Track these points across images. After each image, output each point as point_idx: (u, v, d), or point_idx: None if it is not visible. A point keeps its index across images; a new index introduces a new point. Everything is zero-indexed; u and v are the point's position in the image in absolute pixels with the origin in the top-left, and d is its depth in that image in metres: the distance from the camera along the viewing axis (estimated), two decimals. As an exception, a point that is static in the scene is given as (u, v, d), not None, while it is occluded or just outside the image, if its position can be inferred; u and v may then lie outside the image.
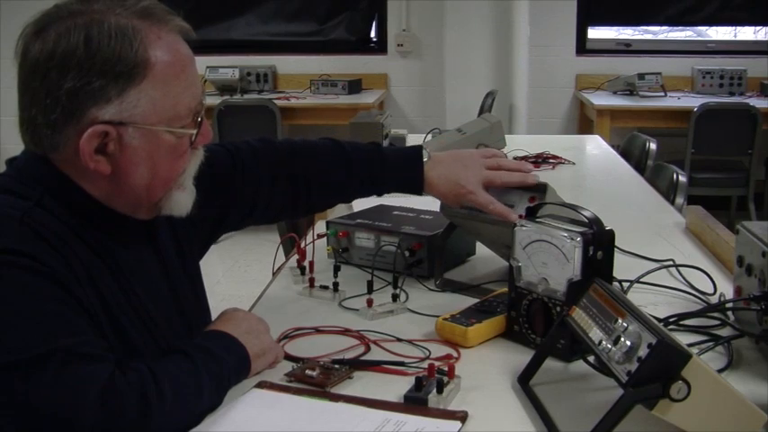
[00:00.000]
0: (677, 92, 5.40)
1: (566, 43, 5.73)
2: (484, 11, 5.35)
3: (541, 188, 1.48)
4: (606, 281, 1.16)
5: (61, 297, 1.03)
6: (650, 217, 2.22)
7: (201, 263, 1.41)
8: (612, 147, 3.47)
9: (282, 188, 1.48)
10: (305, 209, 1.57)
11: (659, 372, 0.94)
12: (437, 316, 1.36)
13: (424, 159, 1.51)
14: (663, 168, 2.83)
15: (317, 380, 1.17)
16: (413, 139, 3.01)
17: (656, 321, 1.01)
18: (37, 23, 1.09)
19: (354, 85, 5.54)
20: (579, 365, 1.22)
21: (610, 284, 1.15)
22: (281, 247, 1.91)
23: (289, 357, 1.27)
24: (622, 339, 0.99)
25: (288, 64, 5.86)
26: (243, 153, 1.46)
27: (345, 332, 1.36)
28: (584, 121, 5.63)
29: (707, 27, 5.95)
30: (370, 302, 1.46)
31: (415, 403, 1.10)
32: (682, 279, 1.63)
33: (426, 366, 1.16)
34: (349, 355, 1.27)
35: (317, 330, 1.38)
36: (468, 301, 1.43)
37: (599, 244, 1.23)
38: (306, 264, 1.64)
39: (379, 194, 1.58)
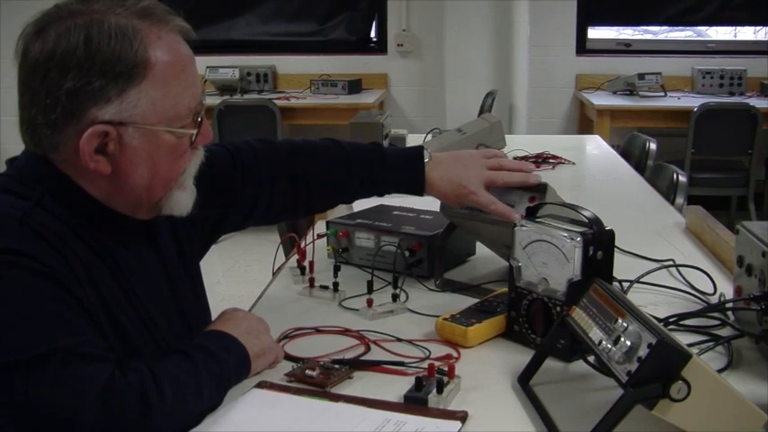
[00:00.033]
0: (677, 92, 5.40)
1: (566, 43, 5.73)
2: (484, 11, 5.35)
3: (541, 188, 1.48)
4: (606, 281, 1.16)
5: (61, 297, 1.03)
6: (650, 217, 2.22)
7: (201, 263, 1.41)
8: (612, 147, 3.47)
9: (282, 188, 1.48)
10: (305, 209, 1.57)
11: (659, 372, 0.94)
12: (437, 316, 1.36)
13: (426, 160, 1.51)
14: (663, 168, 2.83)
15: (317, 380, 1.17)
16: (413, 139, 3.01)
17: (656, 321, 1.01)
18: (37, 23, 1.09)
19: (354, 85, 5.54)
20: (579, 365, 1.22)
21: (610, 284, 1.15)
22: (281, 247, 1.91)
23: (289, 357, 1.27)
24: (622, 339, 0.99)
25: (288, 64, 5.87)
26: (243, 153, 1.46)
27: (345, 332, 1.36)
28: (584, 121, 5.63)
29: (707, 27, 5.95)
30: (370, 302, 1.46)
31: (415, 403, 1.10)
32: (682, 279, 1.63)
33: (426, 366, 1.16)
34: (349, 355, 1.27)
35: (317, 330, 1.38)
36: (468, 301, 1.43)
37: (599, 244, 1.23)
38: (306, 264, 1.64)
39: (380, 195, 1.57)
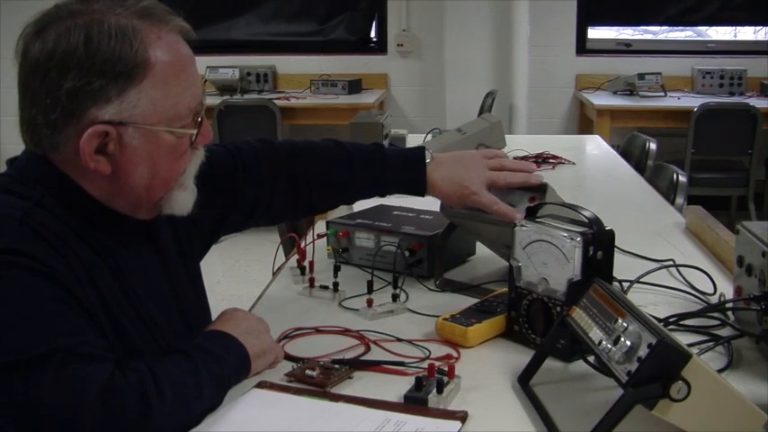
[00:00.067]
0: (677, 92, 5.40)
1: (566, 43, 5.73)
2: (484, 11, 5.35)
3: (541, 188, 1.48)
4: (606, 281, 1.16)
5: (61, 297, 1.03)
6: (650, 217, 2.22)
7: (202, 263, 1.41)
8: (612, 147, 3.47)
9: (283, 188, 1.48)
10: (306, 209, 1.57)
11: (659, 372, 0.94)
12: (437, 316, 1.36)
13: (427, 160, 1.51)
14: (663, 168, 2.83)
15: (317, 380, 1.17)
16: (413, 139, 3.01)
17: (656, 321, 1.01)
18: (37, 23, 1.09)
19: (354, 85, 5.54)
20: (579, 365, 1.22)
21: (610, 284, 1.15)
22: (281, 247, 1.91)
23: (289, 357, 1.27)
24: (622, 339, 0.99)
25: (288, 64, 5.87)
26: (244, 153, 1.46)
27: (345, 332, 1.36)
28: (584, 121, 5.63)
29: (707, 27, 5.95)
30: (370, 302, 1.46)
31: (415, 403, 1.10)
32: (682, 279, 1.63)
33: (426, 366, 1.16)
34: (349, 355, 1.27)
35: (317, 330, 1.38)
36: (468, 301, 1.43)
37: (599, 244, 1.23)
38: (306, 264, 1.64)
39: (382, 195, 1.57)
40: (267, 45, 5.93)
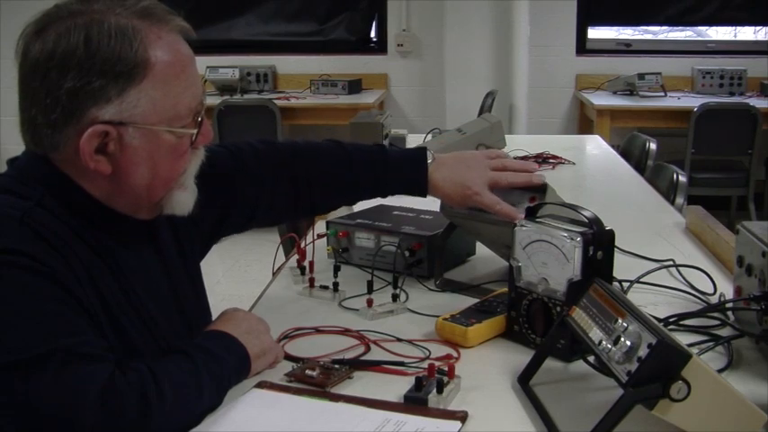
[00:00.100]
0: (677, 92, 5.40)
1: (566, 43, 5.73)
2: (484, 11, 5.35)
3: (541, 188, 1.48)
4: (606, 281, 1.16)
5: (61, 297, 1.03)
6: (650, 217, 2.22)
7: (202, 263, 1.41)
8: (612, 147, 3.47)
9: (284, 189, 1.48)
10: (307, 210, 1.57)
11: (659, 372, 0.94)
12: (437, 316, 1.36)
13: (429, 161, 1.51)
14: (663, 168, 2.83)
15: (317, 380, 1.17)
16: (413, 139, 3.01)
17: (656, 321, 1.01)
18: (37, 23, 1.09)
19: (354, 85, 5.54)
20: (579, 365, 1.22)
21: (610, 284, 1.15)
22: (281, 247, 1.91)
23: (289, 357, 1.27)
24: (622, 339, 0.99)
25: (288, 64, 5.87)
26: (245, 154, 1.46)
27: (345, 332, 1.36)
28: (584, 121, 5.63)
29: (707, 27, 5.95)
30: (370, 302, 1.46)
31: (415, 403, 1.10)
32: (682, 279, 1.63)
33: (426, 366, 1.16)
34: (349, 355, 1.27)
35: (317, 330, 1.38)
36: (468, 301, 1.43)
37: (599, 244, 1.23)
38: (306, 264, 1.64)
39: (384, 196, 1.57)
40: (267, 45, 5.93)
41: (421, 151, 1.53)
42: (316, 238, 1.73)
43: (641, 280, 1.60)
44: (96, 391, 0.98)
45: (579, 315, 1.12)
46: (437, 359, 1.24)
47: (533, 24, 5.44)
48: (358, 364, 1.23)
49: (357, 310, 1.47)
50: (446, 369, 1.15)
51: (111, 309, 1.11)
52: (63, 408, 0.97)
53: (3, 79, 4.95)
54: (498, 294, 1.41)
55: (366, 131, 2.66)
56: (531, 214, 1.33)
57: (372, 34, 6.00)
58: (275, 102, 5.10)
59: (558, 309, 1.24)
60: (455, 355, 1.27)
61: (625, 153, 3.35)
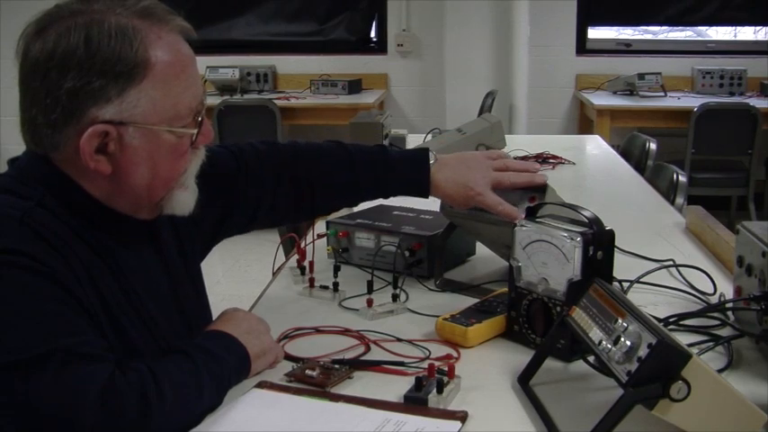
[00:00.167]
0: (677, 92, 5.40)
1: (566, 43, 5.73)
2: (484, 11, 5.35)
3: (542, 188, 1.48)
4: (606, 281, 1.16)
5: (61, 297, 1.03)
6: (650, 217, 2.22)
7: (202, 263, 1.41)
8: (612, 147, 3.47)
9: (286, 190, 1.48)
10: (309, 211, 1.56)
11: (659, 372, 0.94)
12: (437, 316, 1.36)
13: (431, 162, 1.51)
14: (663, 168, 2.83)
15: (317, 380, 1.17)
16: (413, 139, 3.01)
17: (656, 321, 1.01)
18: (38, 23, 1.09)
19: (354, 85, 5.54)
20: (579, 365, 1.22)
21: (610, 284, 1.15)
22: (281, 247, 1.91)
23: (289, 357, 1.27)
24: (622, 339, 0.99)
25: (288, 64, 5.87)
26: (246, 154, 1.46)
27: (345, 332, 1.36)
28: (584, 121, 5.63)
29: (707, 27, 5.95)
30: (370, 302, 1.46)
31: (415, 403, 1.10)
32: (682, 279, 1.63)
33: (426, 366, 1.16)
34: (349, 355, 1.27)
35: (317, 330, 1.38)
36: (468, 301, 1.43)
37: (599, 244, 1.23)
38: (306, 264, 1.64)
39: (386, 197, 1.57)
40: (267, 45, 5.93)
41: (423, 152, 1.53)
42: (316, 238, 1.73)
43: (641, 280, 1.60)
44: (96, 391, 0.98)
45: (579, 315, 1.12)
46: (437, 359, 1.24)
47: (533, 24, 5.44)
48: (358, 364, 1.23)
49: (357, 310, 1.47)
50: (446, 369, 1.15)
51: (111, 309, 1.11)
52: (63, 408, 0.97)
53: (3, 79, 4.96)
54: (498, 294, 1.41)
55: (366, 131, 2.66)
56: (531, 214, 1.33)
57: (372, 34, 6.00)
58: (275, 102, 5.10)
59: (558, 309, 1.24)
60: (455, 355, 1.27)
61: (625, 153, 3.35)
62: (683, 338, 1.25)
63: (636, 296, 1.51)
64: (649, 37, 6.01)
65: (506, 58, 5.37)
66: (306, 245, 1.69)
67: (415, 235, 1.63)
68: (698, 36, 5.98)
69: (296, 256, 1.70)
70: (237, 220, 1.46)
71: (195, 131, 1.16)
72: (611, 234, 1.26)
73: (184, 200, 1.19)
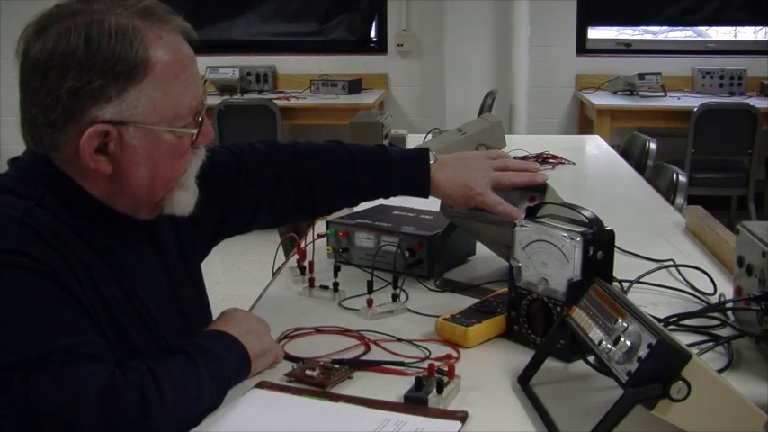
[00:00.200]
0: (677, 92, 5.40)
1: (566, 43, 5.73)
2: (484, 11, 5.35)
3: (541, 188, 1.48)
4: (606, 281, 1.16)
5: (61, 297, 1.03)
6: (650, 217, 2.22)
7: (202, 263, 1.41)
8: (612, 147, 3.47)
9: (286, 190, 1.47)
10: (309, 212, 1.56)
11: (659, 372, 0.94)
12: (437, 316, 1.36)
13: (431, 162, 1.51)
14: (663, 168, 2.83)
15: (317, 380, 1.17)
16: (413, 139, 3.01)
17: (656, 321, 1.01)
18: (38, 23, 1.09)
19: (354, 85, 5.54)
20: (579, 365, 1.22)
21: (610, 284, 1.15)
22: (281, 247, 1.91)
23: (289, 357, 1.27)
24: (622, 339, 0.99)
25: (288, 64, 5.86)
26: (246, 155, 1.46)
27: (345, 332, 1.36)
28: (584, 121, 5.63)
29: (707, 27, 5.95)
30: (370, 302, 1.46)
31: (415, 403, 1.10)
32: (682, 279, 1.63)
33: (426, 366, 1.16)
34: (349, 355, 1.27)
35: (317, 330, 1.38)
36: (468, 301, 1.43)
37: (599, 244, 1.23)
38: (306, 264, 1.64)
39: (386, 197, 1.57)
40: (267, 45, 5.93)
41: (423, 152, 1.53)
42: (316, 238, 1.73)
43: (641, 280, 1.60)
44: (96, 391, 0.98)
45: (579, 315, 1.12)
46: (437, 359, 1.24)
47: (533, 24, 5.44)
48: (358, 364, 1.23)
49: (357, 310, 1.47)
50: (446, 369, 1.15)
51: (112, 309, 1.11)
52: (63, 408, 0.97)
53: (3, 79, 4.96)
54: (498, 294, 1.41)
55: (366, 131, 2.66)
56: (531, 214, 1.33)
57: (372, 34, 6.00)
58: (275, 102, 5.10)
59: (558, 309, 1.24)
60: (455, 355, 1.27)
61: (625, 153, 3.35)
62: (683, 338, 1.25)
63: (636, 296, 1.51)
64: (649, 37, 6.01)
65: (506, 58, 5.37)
66: (306, 245, 1.69)
67: (415, 235, 1.63)
68: (698, 36, 5.98)
69: (296, 256, 1.70)
70: (237, 221, 1.46)
71: (195, 131, 1.16)
72: (611, 234, 1.26)
73: (185, 200, 1.19)
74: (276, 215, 1.51)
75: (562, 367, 1.24)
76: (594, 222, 1.24)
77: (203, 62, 5.13)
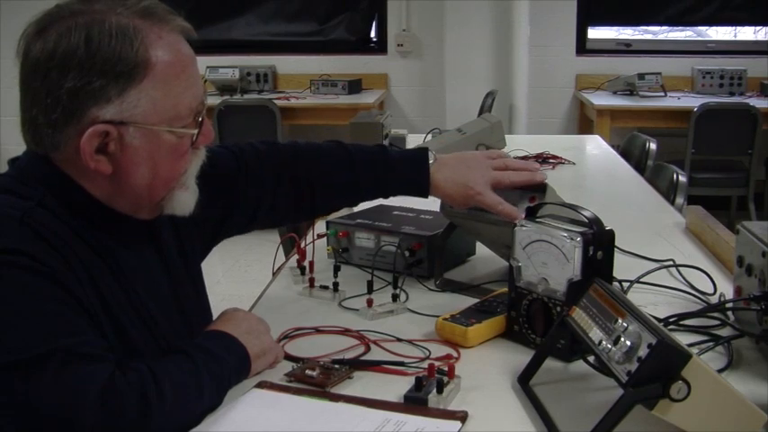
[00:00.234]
0: (677, 92, 5.40)
1: (566, 43, 5.73)
2: (484, 11, 5.35)
3: (541, 188, 1.48)
4: (606, 281, 1.16)
5: (61, 297, 1.03)
6: (650, 217, 2.22)
7: (202, 263, 1.41)
8: (612, 147, 3.47)
9: (286, 190, 1.47)
10: (309, 212, 1.56)
11: (659, 372, 0.94)
12: (437, 316, 1.36)
13: (430, 161, 1.51)
14: (663, 168, 2.83)
15: (317, 380, 1.17)
16: (413, 139, 3.01)
17: (656, 321, 1.01)
18: (38, 23, 1.09)
19: (354, 85, 5.54)
20: (579, 365, 1.22)
21: (610, 284, 1.15)
22: (281, 247, 1.91)
23: (289, 357, 1.27)
24: (622, 339, 0.99)
25: (288, 64, 5.87)
26: (246, 155, 1.46)
27: (345, 332, 1.37)
28: (584, 121, 5.63)
29: (707, 27, 5.95)
30: (370, 302, 1.46)
31: (415, 403, 1.10)
32: (682, 279, 1.63)
33: (426, 366, 1.16)
34: (349, 355, 1.27)
35: (317, 330, 1.38)
36: (468, 301, 1.43)
37: (599, 244, 1.23)
38: (306, 264, 1.64)
39: (385, 197, 1.57)
40: (267, 45, 5.93)
41: (422, 152, 1.53)
42: (316, 238, 1.73)
43: (641, 280, 1.60)
44: (96, 391, 0.98)
45: (579, 315, 1.12)
46: (437, 359, 1.24)
47: (533, 24, 5.44)
48: (358, 364, 1.23)
49: (357, 310, 1.47)
50: (446, 369, 1.15)
51: (112, 309, 1.11)
52: (63, 408, 0.98)
53: (3, 79, 4.96)
54: (498, 294, 1.41)
55: (366, 131, 2.66)
56: (531, 214, 1.33)
57: (372, 34, 6.00)
58: (275, 102, 5.10)
59: (558, 309, 1.24)
60: (455, 355, 1.27)
61: (625, 153, 3.35)
62: (683, 338, 1.25)
63: (636, 296, 1.51)
64: (649, 37, 6.01)
65: (506, 58, 5.37)
66: (306, 245, 1.69)
67: (415, 235, 1.63)
68: (698, 36, 5.98)
69: (296, 256, 1.70)
70: (238, 221, 1.46)
71: (196, 132, 1.16)
72: (611, 234, 1.26)
73: (185, 200, 1.19)
74: (276, 215, 1.51)
75: (562, 367, 1.24)
76: (594, 222, 1.24)
77: (203, 62, 5.13)
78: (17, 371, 0.97)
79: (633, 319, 1.00)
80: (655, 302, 1.50)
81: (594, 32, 5.85)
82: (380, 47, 5.91)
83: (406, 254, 1.61)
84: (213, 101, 4.98)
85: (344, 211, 1.81)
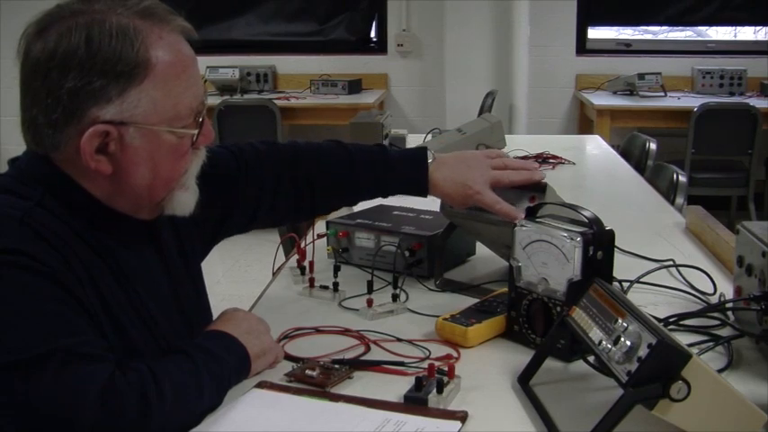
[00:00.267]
0: (677, 92, 5.40)
1: (566, 43, 5.73)
2: (484, 11, 5.35)
3: (541, 188, 1.48)
4: (606, 281, 1.16)
5: (61, 297, 1.03)
6: (650, 217, 2.22)
7: (202, 263, 1.41)
8: (612, 147, 3.47)
9: (286, 190, 1.48)
10: (309, 211, 1.56)
11: (659, 372, 0.94)
12: (437, 316, 1.36)
13: (429, 161, 1.51)
14: (663, 168, 2.83)
15: (317, 380, 1.17)
16: (413, 139, 3.01)
17: (656, 321, 1.01)
18: (39, 23, 1.09)
19: (354, 85, 5.55)
20: (579, 365, 1.22)
21: (610, 284, 1.15)
22: (281, 247, 1.91)
23: (289, 357, 1.27)
24: (622, 339, 0.99)
25: (288, 64, 5.87)
26: (247, 155, 1.46)
27: (345, 332, 1.37)
28: (584, 121, 5.63)
29: (707, 27, 5.95)
30: (370, 302, 1.46)
31: (415, 403, 1.10)
32: (682, 279, 1.63)
33: (426, 366, 1.16)
34: (349, 355, 1.27)
35: (317, 330, 1.38)
36: (468, 301, 1.43)
37: (599, 244, 1.23)
38: (306, 264, 1.64)
39: (385, 196, 1.57)
40: (267, 45, 5.93)
41: (421, 151, 1.53)
42: (316, 238, 1.73)
43: (641, 280, 1.60)
44: (96, 391, 0.98)
45: (579, 315, 1.12)
46: (437, 359, 1.24)
47: (533, 24, 5.44)
48: (358, 364, 1.23)
49: (357, 310, 1.47)
50: (446, 369, 1.15)
51: (112, 309, 1.11)
52: (63, 408, 0.98)
53: (3, 79, 4.96)
54: (498, 294, 1.41)
55: (366, 131, 2.66)
56: (531, 214, 1.33)
57: (372, 34, 6.00)
58: (275, 102, 5.10)
59: (558, 309, 1.24)
60: (455, 355, 1.27)
61: (625, 153, 3.35)
62: (683, 338, 1.25)
63: (636, 296, 1.51)
64: (649, 37, 6.01)
65: (506, 58, 5.37)
66: (306, 245, 1.69)
67: (415, 235, 1.63)
68: (698, 36, 5.98)
69: (296, 256, 1.70)
70: (238, 221, 1.46)
71: (196, 132, 1.16)
72: (611, 234, 1.26)
73: (185, 200, 1.19)
74: (276, 215, 1.51)
75: (562, 367, 1.24)
76: (594, 222, 1.24)
77: (203, 62, 5.12)
78: (17, 371, 0.97)
79: (633, 319, 1.00)
80: (655, 302, 1.50)
81: (594, 32, 5.85)
82: (380, 47, 5.91)
83: (406, 254, 1.61)
84: (213, 101, 4.98)
85: (344, 211, 1.81)
